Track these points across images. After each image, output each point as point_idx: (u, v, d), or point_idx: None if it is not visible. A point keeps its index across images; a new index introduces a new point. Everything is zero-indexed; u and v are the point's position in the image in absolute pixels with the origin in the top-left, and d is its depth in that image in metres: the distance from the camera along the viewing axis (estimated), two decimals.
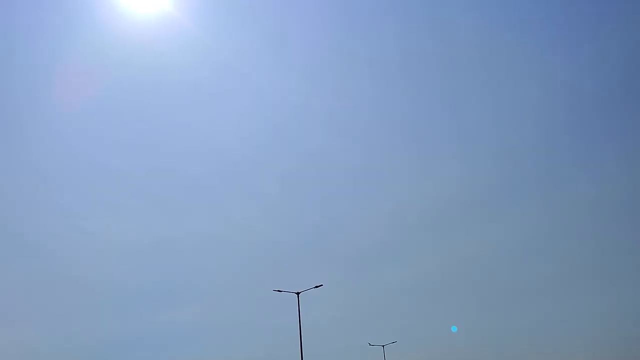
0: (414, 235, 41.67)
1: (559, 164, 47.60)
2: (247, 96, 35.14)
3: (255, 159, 34.48)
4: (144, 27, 23.52)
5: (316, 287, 32.82)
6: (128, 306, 39.20)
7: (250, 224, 37.32)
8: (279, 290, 33.00)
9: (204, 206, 36.19)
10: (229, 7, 29.02)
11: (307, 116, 36.73)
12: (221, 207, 36.02)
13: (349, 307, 42.13)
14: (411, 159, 39.81)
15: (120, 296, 39.08)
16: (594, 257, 43.81)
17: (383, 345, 40.75)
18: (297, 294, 32.68)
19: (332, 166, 39.53)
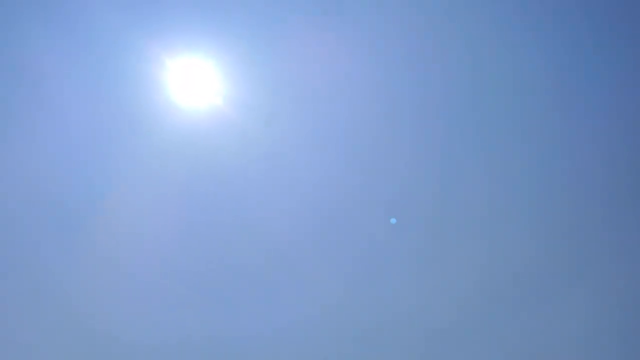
0: (482, 318, 38.83)
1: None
2: (297, 185, 35.08)
3: (310, 248, 33.63)
4: (196, 120, 24.43)
5: None
6: None
7: (310, 319, 35.67)
8: None
9: (258, 301, 34.97)
10: (272, 98, 29.86)
11: (361, 203, 36.13)
12: (277, 302, 34.68)
13: None
14: (475, 237, 37.72)
15: None
16: None
17: None
18: None
19: (389, 251, 38.06)
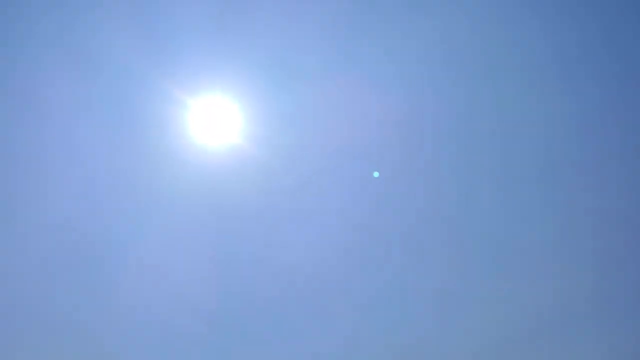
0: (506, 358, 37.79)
1: None
2: (315, 216, 34.91)
3: (328, 280, 33.43)
4: (218, 158, 24.70)
5: None
6: None
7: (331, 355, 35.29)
8: None
9: (279, 335, 34.72)
10: (293, 135, 30.02)
11: (379, 235, 35.79)
12: (298, 336, 34.42)
13: None
14: (498, 275, 36.91)
15: None
16: None
17: None
18: None
19: (410, 286, 37.37)
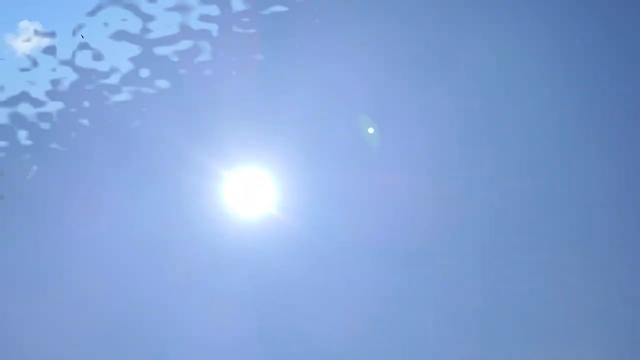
0: None
1: None
2: (346, 289, 34.45)
3: (355, 349, 32.54)
4: (252, 228, 24.47)
5: None
6: None
7: None
8: None
9: None
10: (324, 204, 29.70)
11: (411, 304, 34.98)
12: None
13: None
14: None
15: None
16: None
17: None
18: None
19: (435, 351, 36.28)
